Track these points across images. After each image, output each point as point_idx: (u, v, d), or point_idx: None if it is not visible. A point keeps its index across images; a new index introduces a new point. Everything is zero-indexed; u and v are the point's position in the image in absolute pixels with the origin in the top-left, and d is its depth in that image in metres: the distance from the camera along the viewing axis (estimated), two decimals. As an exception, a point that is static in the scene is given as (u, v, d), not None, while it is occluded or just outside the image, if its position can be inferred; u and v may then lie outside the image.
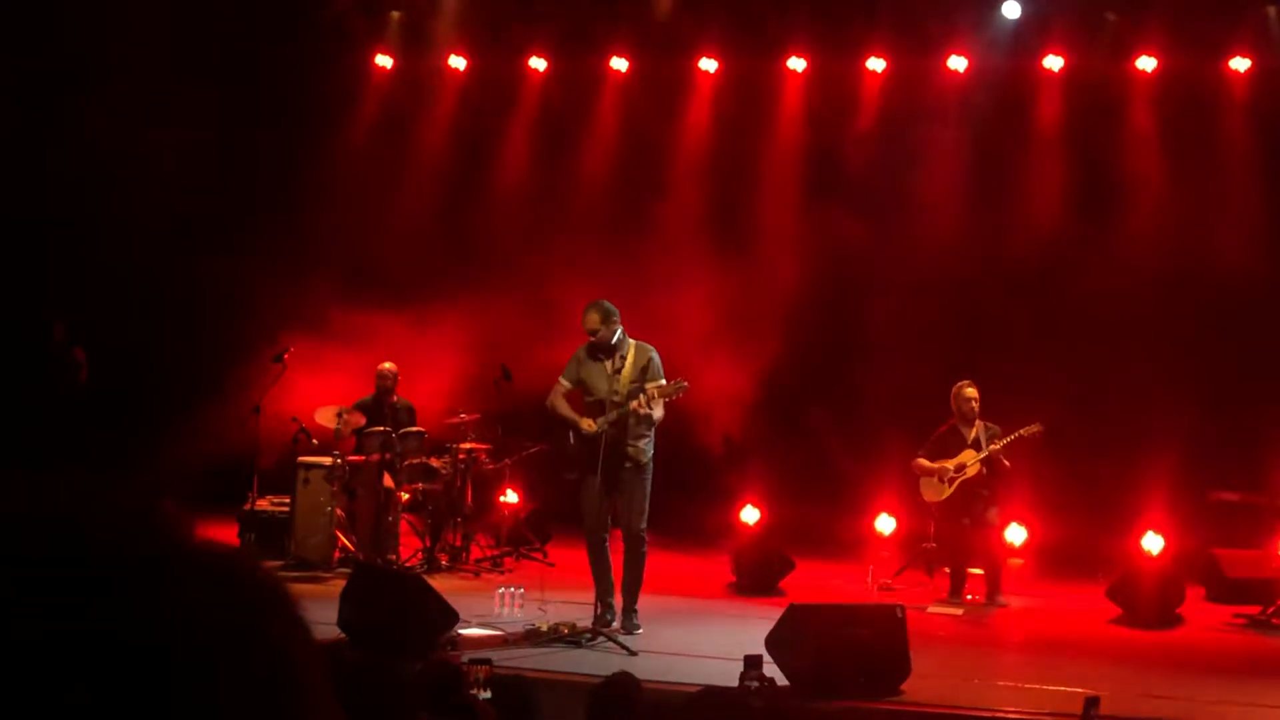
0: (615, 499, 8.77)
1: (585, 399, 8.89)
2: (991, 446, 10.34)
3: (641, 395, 8.55)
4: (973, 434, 10.53)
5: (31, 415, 11.86)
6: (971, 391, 10.53)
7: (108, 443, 11.47)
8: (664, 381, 8.70)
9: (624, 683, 5.20)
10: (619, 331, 8.76)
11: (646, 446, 8.76)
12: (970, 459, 10.42)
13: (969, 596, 10.28)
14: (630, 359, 8.73)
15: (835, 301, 13.14)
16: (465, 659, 6.07)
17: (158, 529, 0.97)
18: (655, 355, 8.82)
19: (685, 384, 8.70)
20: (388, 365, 11.49)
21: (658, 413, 8.65)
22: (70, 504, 0.97)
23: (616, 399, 8.64)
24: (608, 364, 8.71)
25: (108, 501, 0.97)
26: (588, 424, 8.71)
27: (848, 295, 13.19)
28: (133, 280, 13.13)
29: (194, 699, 0.90)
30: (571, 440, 8.80)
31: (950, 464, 10.46)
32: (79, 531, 0.94)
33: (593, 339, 8.76)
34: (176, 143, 12.78)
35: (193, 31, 12.88)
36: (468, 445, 11.31)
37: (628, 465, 8.69)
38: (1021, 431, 10.33)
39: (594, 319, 8.73)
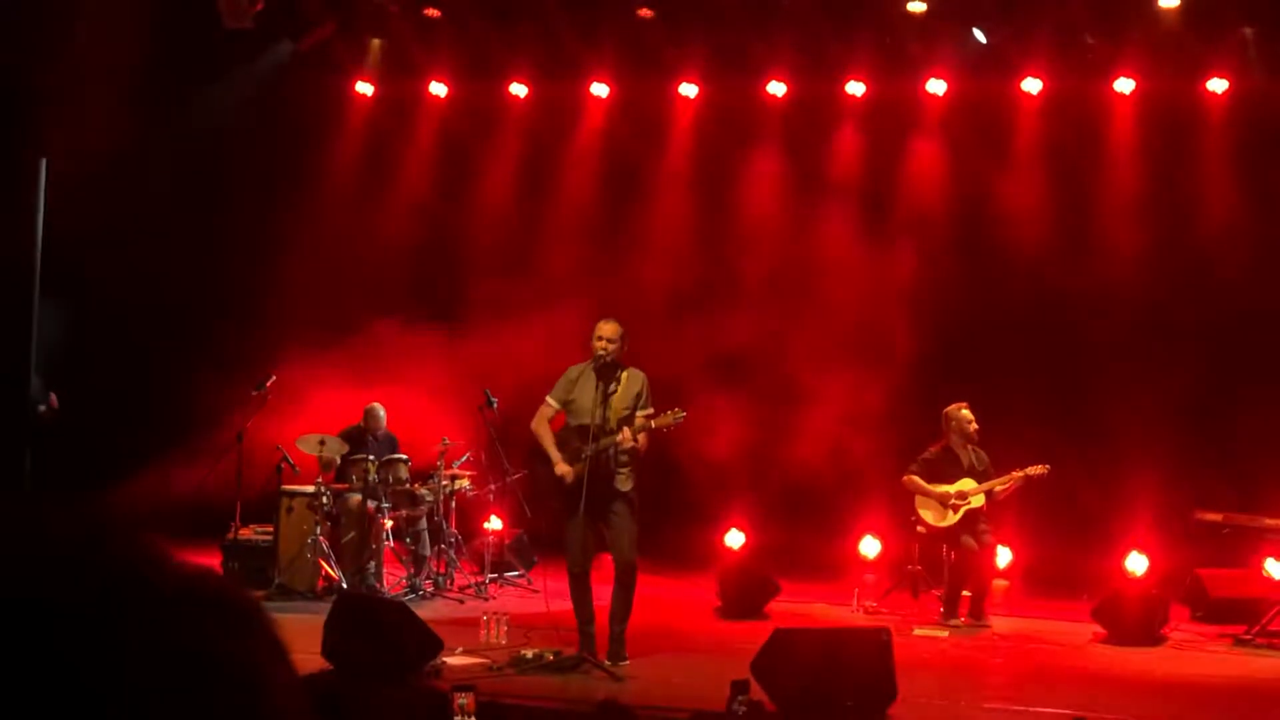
0: (603, 530, 8.38)
1: (570, 422, 8.43)
2: (1000, 485, 10.35)
3: (627, 429, 8.11)
4: (966, 458, 10.52)
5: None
6: (969, 414, 10.54)
7: (86, 473, 11.39)
8: (651, 411, 8.24)
9: (619, 710, 5.17)
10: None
11: (629, 475, 8.34)
12: (972, 487, 10.40)
13: (961, 619, 10.26)
14: (623, 385, 8.30)
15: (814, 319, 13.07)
16: (450, 687, 6.04)
17: (125, 550, 0.95)
18: (646, 382, 8.38)
19: (683, 413, 8.24)
20: (376, 405, 11.46)
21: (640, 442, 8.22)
22: (29, 526, 0.94)
23: (606, 427, 8.19)
24: (601, 387, 8.25)
25: (67, 522, 0.95)
26: (563, 470, 8.30)
27: (827, 310, 13.09)
28: (115, 308, 13.05)
29: None
30: (556, 472, 8.38)
31: (951, 489, 10.44)
32: (37, 553, 0.92)
33: (600, 356, 8.22)
34: (155, 170, 12.75)
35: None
36: (451, 472, 11.29)
37: (612, 496, 8.30)
38: (1029, 471, 10.31)
39: (613, 329, 8.29)
